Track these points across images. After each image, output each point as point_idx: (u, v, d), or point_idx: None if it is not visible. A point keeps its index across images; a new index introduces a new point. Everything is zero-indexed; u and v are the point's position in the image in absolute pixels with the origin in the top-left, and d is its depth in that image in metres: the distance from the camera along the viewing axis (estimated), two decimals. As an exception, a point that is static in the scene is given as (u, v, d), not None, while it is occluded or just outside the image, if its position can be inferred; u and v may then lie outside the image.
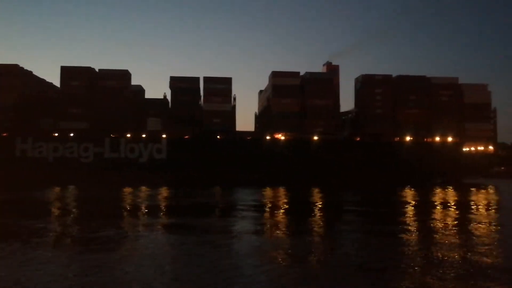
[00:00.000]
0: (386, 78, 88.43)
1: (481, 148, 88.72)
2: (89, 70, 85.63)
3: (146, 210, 35.96)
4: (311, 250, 20.86)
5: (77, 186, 62.74)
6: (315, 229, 26.99)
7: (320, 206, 41.76)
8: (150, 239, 22.77)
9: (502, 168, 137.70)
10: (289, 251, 20.50)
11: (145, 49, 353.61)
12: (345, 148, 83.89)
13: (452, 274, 16.52)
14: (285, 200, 46.89)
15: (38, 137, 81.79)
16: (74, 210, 36.92)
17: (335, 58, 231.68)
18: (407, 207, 41.35)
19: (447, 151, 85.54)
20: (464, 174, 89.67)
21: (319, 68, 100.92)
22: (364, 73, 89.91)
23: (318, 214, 35.00)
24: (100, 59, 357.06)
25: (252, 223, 29.16)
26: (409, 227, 27.99)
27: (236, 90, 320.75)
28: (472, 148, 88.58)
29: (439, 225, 28.83)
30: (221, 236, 23.66)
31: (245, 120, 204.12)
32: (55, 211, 34.98)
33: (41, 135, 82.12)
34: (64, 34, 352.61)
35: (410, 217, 33.91)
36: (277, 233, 25.23)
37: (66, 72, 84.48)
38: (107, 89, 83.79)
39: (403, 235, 24.68)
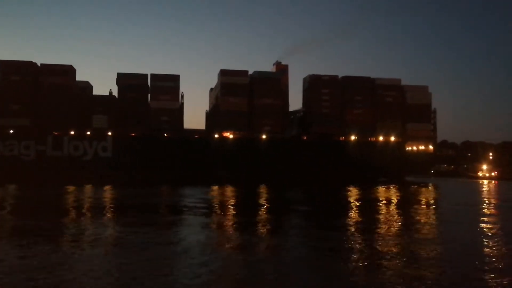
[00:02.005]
0: (333, 79, 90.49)
1: (422, 147, 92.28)
2: (30, 64, 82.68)
3: (84, 213, 35.07)
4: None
5: (17, 185, 60.41)
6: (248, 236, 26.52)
7: (263, 205, 41.98)
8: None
9: (452, 166, 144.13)
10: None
11: (92, 44, 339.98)
12: (292, 147, 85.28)
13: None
14: (230, 201, 46.78)
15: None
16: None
17: (285, 57, 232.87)
18: (350, 207, 42.28)
19: (391, 150, 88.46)
20: (407, 173, 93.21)
21: (270, 67, 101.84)
22: (314, 73, 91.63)
23: (259, 215, 35.27)
24: (43, 54, 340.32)
25: (190, 227, 28.15)
26: (351, 230, 27.71)
27: (188, 87, 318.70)
28: (414, 148, 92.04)
29: (380, 227, 29.29)
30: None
31: (196, 118, 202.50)
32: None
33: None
34: (4, 27, 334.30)
35: (352, 218, 34.12)
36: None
37: (6, 66, 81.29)
38: (50, 85, 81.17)
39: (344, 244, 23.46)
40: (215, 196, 51.46)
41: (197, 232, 26.01)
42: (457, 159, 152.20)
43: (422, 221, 32.88)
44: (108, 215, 33.55)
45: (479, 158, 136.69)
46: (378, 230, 27.69)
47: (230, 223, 30.01)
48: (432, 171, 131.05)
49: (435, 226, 31.34)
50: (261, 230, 27.59)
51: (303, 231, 28.26)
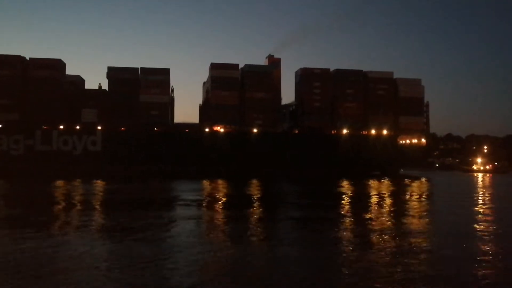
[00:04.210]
0: (324, 72, 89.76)
1: (415, 140, 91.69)
2: (19, 58, 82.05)
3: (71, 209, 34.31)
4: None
5: (5, 180, 59.63)
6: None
7: (254, 200, 41.32)
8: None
9: (457, 160, 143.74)
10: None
11: (82, 38, 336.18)
12: (283, 141, 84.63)
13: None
14: (220, 195, 46.00)
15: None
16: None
17: (278, 51, 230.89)
18: (342, 202, 41.21)
19: (384, 143, 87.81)
20: (401, 166, 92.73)
21: (263, 60, 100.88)
22: (307, 66, 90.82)
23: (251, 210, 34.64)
24: (33, 48, 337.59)
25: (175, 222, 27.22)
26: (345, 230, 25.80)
27: (182, 81, 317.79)
28: (408, 141, 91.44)
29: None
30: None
31: (190, 111, 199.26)
32: None
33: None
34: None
35: (346, 215, 32.23)
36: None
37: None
38: (38, 79, 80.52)
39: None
40: (203, 193, 50.58)
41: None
42: (462, 152, 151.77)
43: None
44: (90, 214, 32.59)
45: (476, 151, 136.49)
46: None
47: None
48: (437, 165, 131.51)
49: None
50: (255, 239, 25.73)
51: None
